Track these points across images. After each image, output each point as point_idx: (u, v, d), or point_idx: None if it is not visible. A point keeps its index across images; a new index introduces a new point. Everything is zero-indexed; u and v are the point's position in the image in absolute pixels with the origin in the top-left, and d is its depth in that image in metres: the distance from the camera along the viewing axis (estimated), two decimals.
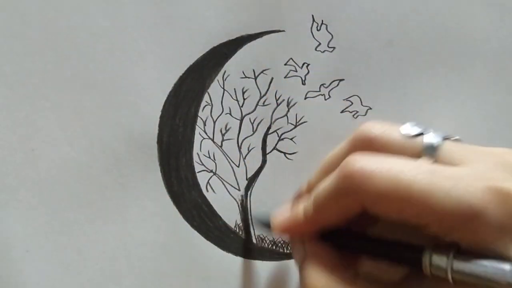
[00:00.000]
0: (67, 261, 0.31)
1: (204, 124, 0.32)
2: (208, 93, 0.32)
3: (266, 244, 0.31)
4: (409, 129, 0.25)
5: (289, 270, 0.31)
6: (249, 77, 0.32)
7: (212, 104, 0.32)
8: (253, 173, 0.32)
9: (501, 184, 0.20)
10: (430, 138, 0.24)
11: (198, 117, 0.32)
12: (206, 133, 0.32)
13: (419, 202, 0.21)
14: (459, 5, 0.32)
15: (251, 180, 0.31)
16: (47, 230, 0.31)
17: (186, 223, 0.31)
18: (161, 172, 0.31)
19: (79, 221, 0.31)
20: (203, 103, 0.32)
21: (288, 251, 0.31)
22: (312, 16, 0.31)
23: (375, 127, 0.25)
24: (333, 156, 0.27)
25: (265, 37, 0.31)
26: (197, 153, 0.32)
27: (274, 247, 0.31)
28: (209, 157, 0.32)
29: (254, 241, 0.31)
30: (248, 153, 0.32)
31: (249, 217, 0.31)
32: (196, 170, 0.32)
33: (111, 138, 0.31)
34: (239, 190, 0.31)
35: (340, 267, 0.25)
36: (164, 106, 0.31)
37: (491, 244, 0.20)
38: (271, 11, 0.31)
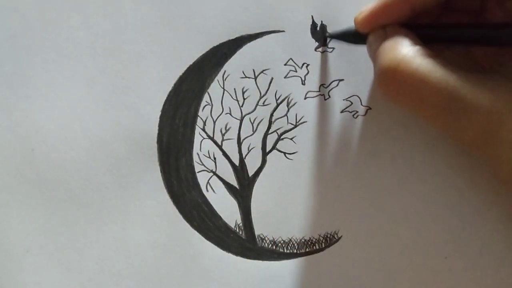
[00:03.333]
0: (67, 261, 0.31)
1: (204, 124, 0.32)
2: (208, 93, 0.32)
3: (266, 244, 0.31)
4: None
5: (289, 271, 0.31)
6: (249, 77, 0.32)
7: (212, 104, 0.32)
8: (253, 173, 0.32)
9: None
10: None
11: (198, 117, 0.32)
12: (206, 133, 0.32)
13: None
14: None
15: (251, 180, 0.31)
16: (47, 230, 0.31)
17: (186, 223, 0.31)
18: (161, 172, 0.31)
19: (79, 221, 0.31)
20: (203, 103, 0.32)
21: (288, 251, 0.31)
22: (312, 16, 0.31)
23: None
24: None
25: (265, 37, 0.31)
26: (197, 153, 0.32)
27: (274, 247, 0.31)
28: (209, 157, 0.32)
29: (254, 241, 0.31)
30: (248, 153, 0.32)
31: (249, 217, 0.31)
32: (196, 170, 0.32)
33: (111, 138, 0.31)
34: (239, 190, 0.31)
35: (419, 46, 0.24)
36: (164, 106, 0.31)
37: None
38: (271, 11, 0.31)
